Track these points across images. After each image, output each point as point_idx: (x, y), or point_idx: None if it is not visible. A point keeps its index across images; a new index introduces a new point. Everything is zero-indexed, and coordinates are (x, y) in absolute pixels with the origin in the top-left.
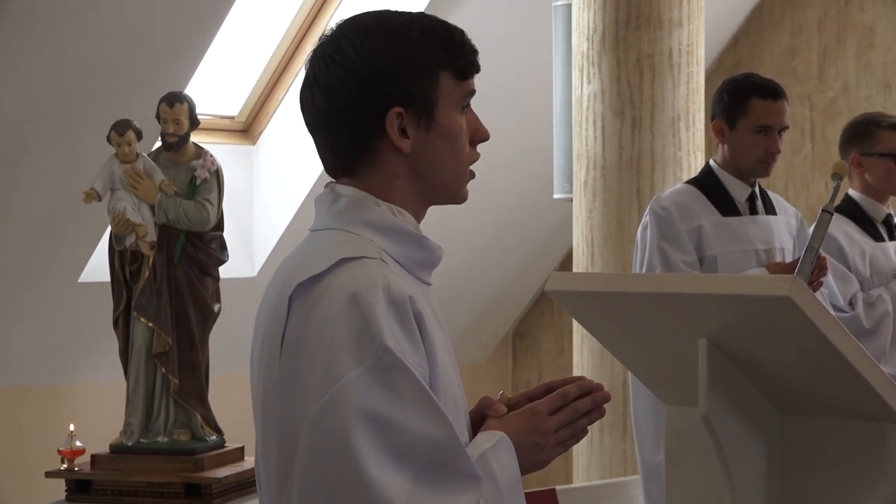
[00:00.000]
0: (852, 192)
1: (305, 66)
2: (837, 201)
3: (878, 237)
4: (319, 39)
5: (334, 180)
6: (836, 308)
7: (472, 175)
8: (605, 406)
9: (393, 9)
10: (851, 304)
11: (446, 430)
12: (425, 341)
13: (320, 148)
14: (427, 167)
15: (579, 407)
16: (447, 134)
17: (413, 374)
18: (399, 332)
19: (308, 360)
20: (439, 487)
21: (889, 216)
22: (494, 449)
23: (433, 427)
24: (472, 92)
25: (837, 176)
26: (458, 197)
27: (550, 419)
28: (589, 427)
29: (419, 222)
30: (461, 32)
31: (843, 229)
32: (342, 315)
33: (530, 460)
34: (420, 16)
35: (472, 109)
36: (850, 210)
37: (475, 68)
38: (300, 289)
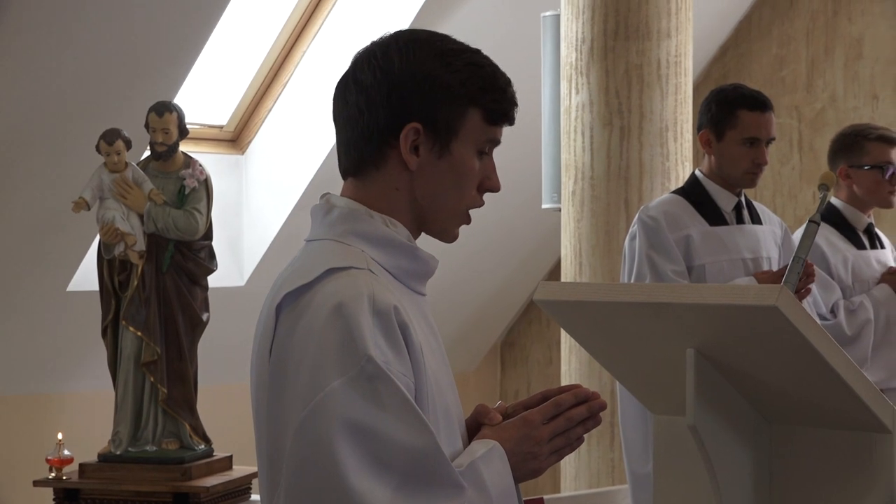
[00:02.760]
0: (835, 201)
1: (352, 60)
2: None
3: (860, 245)
4: (373, 41)
5: (328, 181)
6: (818, 316)
7: (468, 220)
8: (601, 423)
9: (455, 36)
10: (833, 311)
11: (428, 439)
12: (411, 352)
13: (338, 143)
14: (427, 192)
15: (574, 416)
16: (456, 168)
17: (396, 384)
18: (383, 343)
19: (293, 369)
20: (421, 496)
21: (870, 225)
22: (486, 457)
23: (415, 437)
24: (496, 141)
25: (825, 186)
26: (447, 234)
27: (544, 428)
28: (585, 436)
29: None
30: (507, 82)
31: (825, 237)
32: (327, 325)
33: (524, 469)
34: (474, 50)
35: (491, 158)
36: (833, 218)
37: (507, 119)
38: (288, 299)
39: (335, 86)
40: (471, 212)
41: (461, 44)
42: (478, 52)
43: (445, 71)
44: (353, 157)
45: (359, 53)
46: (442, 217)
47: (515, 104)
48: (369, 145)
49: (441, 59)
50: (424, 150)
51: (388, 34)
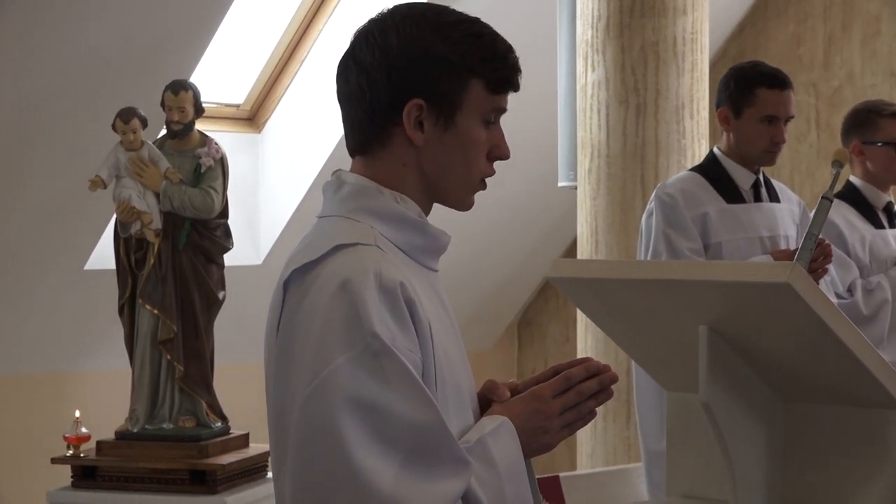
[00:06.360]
0: (853, 179)
1: (350, 39)
2: (838, 188)
3: (878, 224)
4: (370, 18)
5: (350, 158)
6: (835, 294)
7: (483, 186)
8: (613, 396)
9: (451, 6)
10: (850, 290)
11: (433, 416)
12: (418, 328)
13: (343, 122)
14: (434, 166)
15: (584, 389)
16: (462, 140)
17: (401, 360)
18: (389, 319)
19: (299, 345)
20: (426, 473)
21: (890, 203)
22: (494, 433)
23: (420, 413)
24: (502, 109)
25: (838, 163)
26: (461, 204)
27: (554, 402)
28: (597, 409)
29: (426, 215)
30: (508, 48)
31: (843, 215)
32: (332, 301)
33: (535, 444)
34: (472, 20)
35: (499, 126)
36: (851, 196)
37: (511, 86)
38: (295, 275)
39: (337, 65)
40: (488, 191)
41: (459, 14)
42: (476, 21)
43: (443, 44)
44: (359, 136)
45: (357, 32)
46: (454, 189)
47: (518, 70)
48: (373, 124)
49: (438, 32)
50: (429, 124)
51: (385, 10)
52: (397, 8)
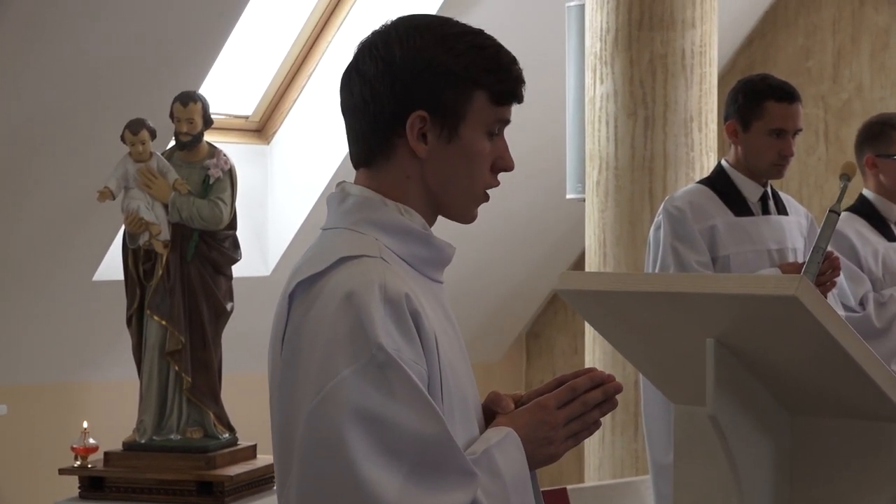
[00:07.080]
0: (866, 192)
1: (355, 51)
2: (849, 201)
3: (890, 237)
4: (374, 30)
5: (354, 170)
6: (847, 308)
7: (486, 199)
8: (618, 405)
9: (455, 18)
10: (863, 303)
11: (439, 428)
12: (423, 339)
13: (347, 134)
14: (439, 178)
15: (589, 400)
16: (466, 152)
17: (407, 372)
18: (394, 330)
19: (304, 358)
20: (431, 485)
21: None
22: (500, 444)
23: (426, 425)
24: (506, 120)
25: (846, 176)
26: (465, 217)
27: (559, 413)
28: (602, 420)
29: (430, 226)
30: (512, 60)
31: (855, 228)
32: (338, 313)
33: (540, 455)
34: (476, 31)
35: (503, 138)
36: (863, 209)
37: (515, 98)
38: (300, 287)
39: (341, 77)
40: (496, 203)
41: (463, 26)
42: (480, 32)
43: (447, 56)
44: (363, 148)
45: (361, 43)
46: (457, 201)
47: (522, 82)
48: (377, 136)
49: (442, 44)
50: (432, 136)
51: (389, 22)
52: (401, 20)
